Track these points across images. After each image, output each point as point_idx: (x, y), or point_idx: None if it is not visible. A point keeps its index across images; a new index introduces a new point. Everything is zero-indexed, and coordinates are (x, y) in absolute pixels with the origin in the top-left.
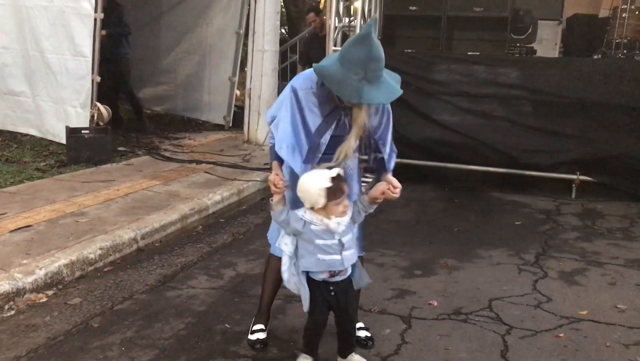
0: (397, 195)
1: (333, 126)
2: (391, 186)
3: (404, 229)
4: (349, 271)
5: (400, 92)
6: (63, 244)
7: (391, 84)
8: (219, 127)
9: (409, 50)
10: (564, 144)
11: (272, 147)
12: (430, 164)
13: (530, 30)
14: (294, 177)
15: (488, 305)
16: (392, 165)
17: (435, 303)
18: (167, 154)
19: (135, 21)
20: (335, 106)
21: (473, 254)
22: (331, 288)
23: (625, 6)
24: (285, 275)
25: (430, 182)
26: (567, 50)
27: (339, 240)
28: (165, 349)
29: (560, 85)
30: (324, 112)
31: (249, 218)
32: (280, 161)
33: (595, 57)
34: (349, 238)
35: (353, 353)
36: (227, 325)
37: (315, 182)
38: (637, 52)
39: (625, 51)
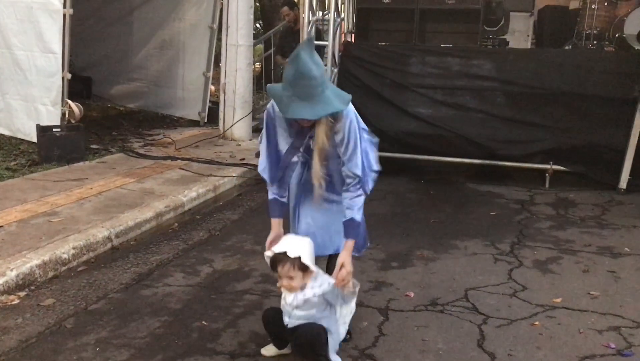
0: (346, 281)
1: (302, 148)
2: (342, 272)
3: (380, 221)
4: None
5: (335, 108)
6: (35, 244)
7: (328, 101)
8: (193, 123)
9: (383, 44)
10: (537, 135)
11: (271, 201)
12: (406, 156)
13: (502, 22)
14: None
15: (464, 295)
16: (368, 187)
17: (412, 295)
18: (141, 151)
19: (106, 17)
20: (301, 127)
21: (449, 245)
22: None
23: None
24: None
25: (406, 174)
26: (538, 41)
27: (291, 311)
28: (141, 348)
29: (532, 76)
30: (292, 134)
31: (225, 214)
32: (280, 216)
33: (566, 48)
34: (306, 314)
35: None
36: (203, 322)
37: (274, 246)
38: (607, 42)
39: (595, 42)
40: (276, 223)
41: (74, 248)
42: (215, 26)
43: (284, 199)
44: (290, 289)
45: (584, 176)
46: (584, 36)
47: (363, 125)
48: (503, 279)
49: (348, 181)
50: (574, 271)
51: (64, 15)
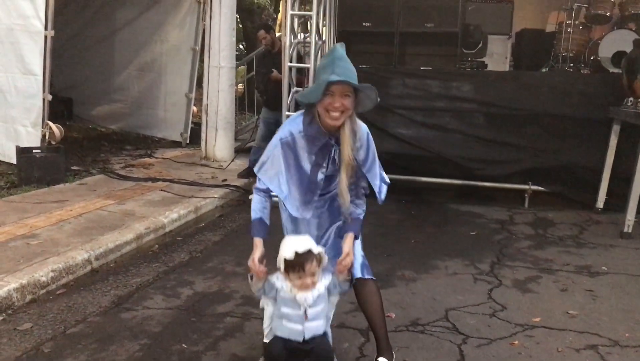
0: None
1: (325, 164)
2: (347, 260)
3: (362, 242)
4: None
5: (372, 88)
6: (13, 267)
7: (364, 84)
8: (175, 144)
9: (364, 66)
10: (516, 155)
11: (257, 221)
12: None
13: (480, 44)
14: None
15: (445, 315)
16: (382, 196)
17: (393, 315)
18: (122, 172)
19: (88, 38)
20: (325, 142)
21: (430, 265)
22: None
23: (570, 21)
24: (265, 331)
25: (387, 195)
26: (516, 63)
27: (305, 311)
28: None
29: (510, 97)
30: (313, 151)
31: (206, 236)
32: (264, 236)
33: (544, 70)
34: (318, 310)
35: None
36: (183, 345)
37: (286, 247)
38: (582, 65)
39: (571, 64)
40: (260, 242)
41: (52, 271)
42: (197, 48)
43: (267, 221)
44: (311, 287)
45: (562, 196)
46: (561, 59)
47: None
48: (483, 299)
49: (362, 191)
50: (552, 290)
51: (45, 37)
